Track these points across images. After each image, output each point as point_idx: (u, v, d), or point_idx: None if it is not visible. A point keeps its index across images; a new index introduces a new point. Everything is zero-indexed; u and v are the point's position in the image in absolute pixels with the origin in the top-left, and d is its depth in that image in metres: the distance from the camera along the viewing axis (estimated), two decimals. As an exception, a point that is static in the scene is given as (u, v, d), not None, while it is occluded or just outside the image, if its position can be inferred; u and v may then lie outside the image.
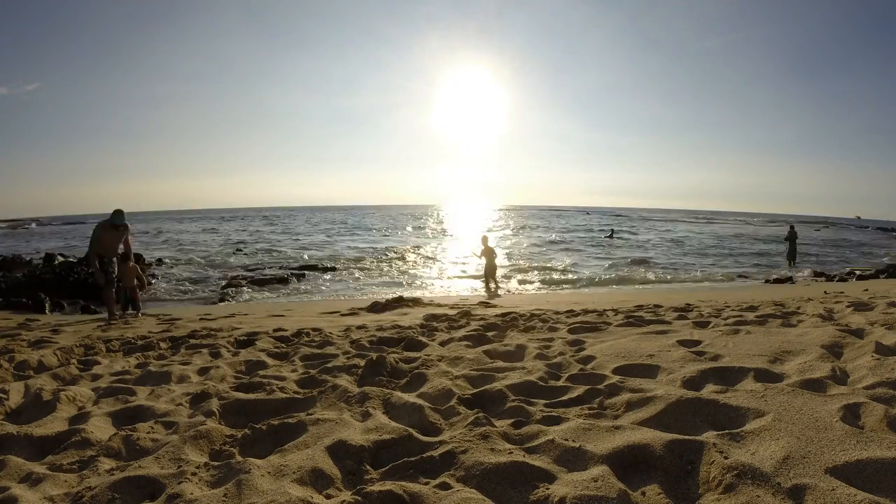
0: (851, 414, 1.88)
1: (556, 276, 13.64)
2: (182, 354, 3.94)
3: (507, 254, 18.95)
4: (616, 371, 2.74)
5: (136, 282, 7.43)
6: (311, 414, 2.27)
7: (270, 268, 14.84)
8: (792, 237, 16.62)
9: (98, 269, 6.80)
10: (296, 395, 2.57)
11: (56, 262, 12.85)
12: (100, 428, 2.20)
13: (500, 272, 12.02)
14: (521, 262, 16.88)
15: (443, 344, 3.86)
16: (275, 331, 4.89)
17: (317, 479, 1.68)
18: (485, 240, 11.55)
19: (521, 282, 12.45)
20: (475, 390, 2.49)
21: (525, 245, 23.87)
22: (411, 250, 20.58)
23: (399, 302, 7.50)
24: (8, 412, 2.53)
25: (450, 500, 1.49)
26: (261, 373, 3.15)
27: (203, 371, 3.27)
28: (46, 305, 8.57)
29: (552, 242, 25.42)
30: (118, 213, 6.91)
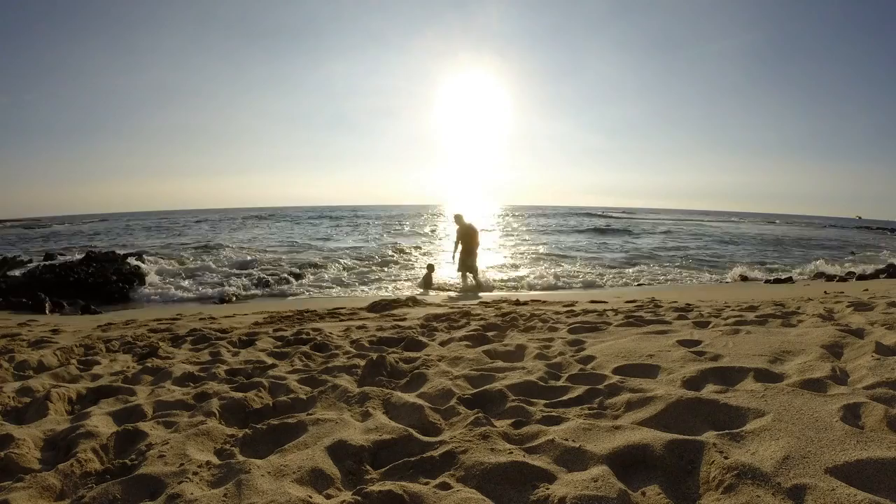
0: (851, 414, 1.88)
1: (551, 276, 13.63)
2: (182, 354, 3.94)
3: (505, 252, 18.98)
4: (616, 371, 2.74)
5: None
6: (311, 414, 2.27)
7: (271, 267, 14.84)
8: None
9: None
10: (296, 395, 2.57)
11: (56, 262, 12.86)
12: (100, 427, 2.20)
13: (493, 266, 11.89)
14: (516, 260, 16.89)
15: (443, 344, 3.85)
16: (275, 331, 4.89)
17: (317, 479, 1.69)
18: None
19: (519, 283, 12.43)
20: (475, 390, 2.49)
21: (523, 244, 23.87)
22: (412, 249, 20.57)
23: (399, 302, 7.50)
24: (7, 412, 2.53)
25: (450, 500, 1.49)
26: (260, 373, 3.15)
27: (203, 370, 3.27)
28: (46, 305, 8.57)
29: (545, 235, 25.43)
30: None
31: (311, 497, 1.57)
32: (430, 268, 11.54)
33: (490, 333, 4.18)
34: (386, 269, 14.64)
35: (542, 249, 20.80)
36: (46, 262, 13.22)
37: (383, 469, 1.76)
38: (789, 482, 1.45)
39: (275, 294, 10.86)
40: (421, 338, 4.03)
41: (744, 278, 12.48)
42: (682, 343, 3.25)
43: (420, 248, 21.66)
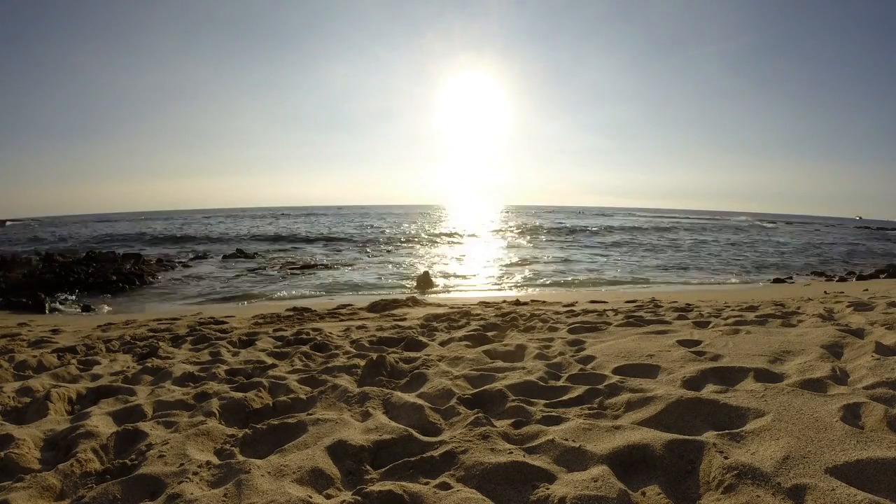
0: (851, 414, 1.88)
1: (552, 275, 13.63)
2: (182, 354, 3.94)
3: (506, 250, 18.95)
4: (616, 371, 2.74)
5: None
6: (311, 414, 2.27)
7: (271, 268, 14.84)
8: None
9: None
10: (296, 395, 2.57)
11: (56, 262, 12.86)
12: (100, 427, 2.20)
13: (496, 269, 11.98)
14: (518, 259, 16.89)
15: (443, 344, 3.85)
16: (275, 331, 4.89)
17: (317, 479, 1.69)
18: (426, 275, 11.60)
19: (526, 281, 12.43)
20: (475, 390, 2.49)
21: (523, 245, 23.87)
22: (413, 249, 20.58)
23: (399, 302, 7.50)
24: (8, 412, 2.53)
25: (450, 500, 1.49)
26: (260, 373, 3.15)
27: (203, 370, 3.27)
28: (46, 305, 8.57)
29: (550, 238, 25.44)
30: None
31: (311, 497, 1.57)
32: (426, 275, 11.89)
33: (490, 333, 4.18)
34: (387, 270, 14.65)
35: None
36: (46, 262, 13.22)
37: (383, 469, 1.76)
38: (789, 482, 1.45)
39: (274, 293, 10.86)
40: (421, 338, 4.03)
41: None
42: (682, 343, 3.25)
43: (421, 247, 21.66)
